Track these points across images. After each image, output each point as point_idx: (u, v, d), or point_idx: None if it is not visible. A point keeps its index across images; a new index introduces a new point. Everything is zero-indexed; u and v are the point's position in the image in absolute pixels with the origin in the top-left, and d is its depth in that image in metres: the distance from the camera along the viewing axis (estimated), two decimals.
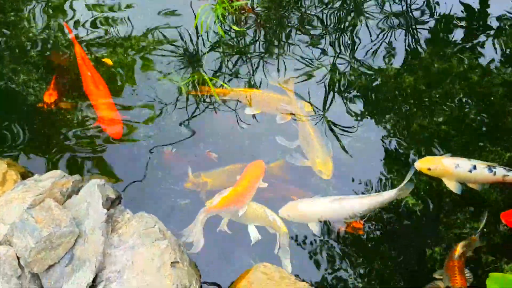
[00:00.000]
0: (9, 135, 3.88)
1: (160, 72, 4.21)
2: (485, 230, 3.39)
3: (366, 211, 3.44)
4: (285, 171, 3.71)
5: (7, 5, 4.63)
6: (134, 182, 3.66)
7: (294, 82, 4.11)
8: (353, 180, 3.69)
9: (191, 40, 4.42)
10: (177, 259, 3.01)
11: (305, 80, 4.16)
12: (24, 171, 3.63)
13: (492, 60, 4.27)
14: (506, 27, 4.48)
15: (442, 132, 3.88)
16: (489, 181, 3.48)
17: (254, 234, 3.42)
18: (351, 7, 4.67)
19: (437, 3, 4.66)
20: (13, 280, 2.81)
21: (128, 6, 4.64)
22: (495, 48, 4.35)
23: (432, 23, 4.53)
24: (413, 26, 4.51)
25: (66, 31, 4.40)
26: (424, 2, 4.67)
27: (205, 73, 4.16)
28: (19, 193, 3.17)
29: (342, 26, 4.54)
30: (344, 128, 3.92)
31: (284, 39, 4.45)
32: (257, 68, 4.26)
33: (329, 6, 4.66)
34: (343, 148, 3.81)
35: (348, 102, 4.06)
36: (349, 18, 4.60)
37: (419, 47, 4.38)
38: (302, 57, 4.29)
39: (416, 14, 4.61)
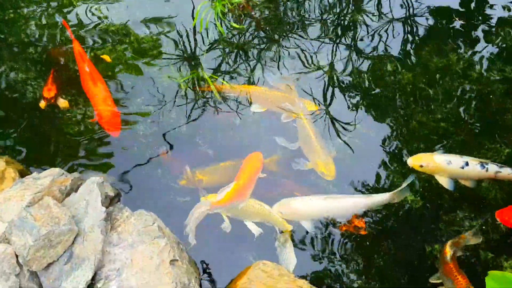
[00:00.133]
0: (8, 133, 3.87)
1: (160, 70, 4.20)
2: (477, 228, 3.38)
3: (359, 211, 3.45)
4: (282, 166, 3.71)
5: (6, 3, 4.61)
6: (133, 179, 3.66)
7: (295, 80, 4.10)
8: (352, 177, 3.69)
9: (188, 37, 4.41)
10: (176, 257, 3.00)
11: (304, 76, 4.16)
12: (23, 169, 3.63)
13: (491, 57, 4.26)
14: (506, 24, 4.47)
15: (441, 129, 3.87)
16: (482, 178, 3.49)
17: (254, 228, 3.42)
18: (350, 3, 4.66)
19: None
20: (11, 278, 2.80)
21: (127, 3, 4.63)
22: (494, 45, 4.34)
23: (431, 20, 4.52)
24: (412, 23, 4.50)
25: (66, 29, 4.39)
26: None
27: (204, 71, 4.16)
28: (18, 191, 3.16)
29: (341, 23, 4.53)
30: (343, 124, 3.92)
31: (283, 35, 4.44)
32: (255, 65, 4.25)
33: (328, 3, 4.64)
34: (345, 143, 3.81)
35: (347, 99, 4.06)
36: (348, 15, 4.59)
37: (418, 44, 4.37)
38: (301, 55, 4.28)
39: (415, 10, 4.60)
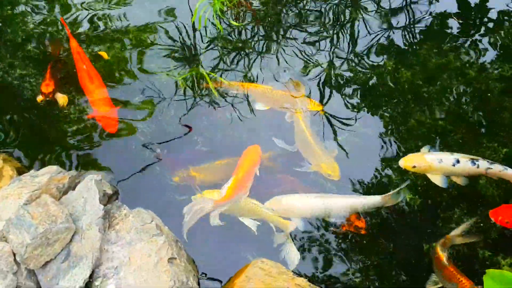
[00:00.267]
0: (5, 130, 3.86)
1: (158, 67, 4.19)
2: (466, 227, 3.39)
3: (350, 212, 3.45)
4: (277, 162, 3.70)
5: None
6: (131, 177, 3.65)
7: (300, 78, 4.10)
8: (351, 175, 3.69)
9: (188, 34, 4.40)
10: (174, 255, 3.00)
11: (303, 74, 4.16)
12: (20, 167, 3.61)
13: (489, 56, 4.26)
14: (504, 22, 4.47)
15: (439, 128, 3.87)
16: (473, 174, 3.50)
17: (251, 223, 3.41)
18: (348, 2, 4.65)
19: None
20: (9, 277, 2.79)
21: (125, 0, 4.61)
22: (492, 44, 4.34)
23: (429, 19, 4.52)
24: (411, 22, 4.50)
25: (63, 25, 4.38)
26: None
27: (204, 68, 4.15)
28: (15, 189, 3.15)
29: (339, 21, 4.53)
30: (342, 121, 3.91)
31: (282, 34, 4.43)
32: (253, 63, 4.25)
33: (327, 1, 4.64)
34: (339, 145, 3.81)
35: (345, 98, 4.06)
36: (347, 13, 4.58)
37: (416, 42, 4.37)
38: (300, 53, 4.28)
39: (414, 9, 4.59)
